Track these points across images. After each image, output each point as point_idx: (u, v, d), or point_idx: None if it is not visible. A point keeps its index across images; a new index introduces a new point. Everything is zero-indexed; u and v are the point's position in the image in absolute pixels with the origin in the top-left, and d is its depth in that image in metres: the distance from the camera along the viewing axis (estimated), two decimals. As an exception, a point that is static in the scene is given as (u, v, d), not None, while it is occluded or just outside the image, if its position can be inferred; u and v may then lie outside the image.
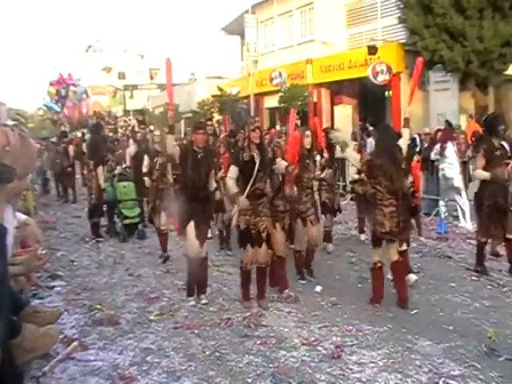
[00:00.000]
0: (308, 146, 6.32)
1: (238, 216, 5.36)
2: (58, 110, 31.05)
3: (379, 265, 5.48)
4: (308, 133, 6.43)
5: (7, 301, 1.93)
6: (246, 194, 5.25)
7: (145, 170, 7.83)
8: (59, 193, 14.72)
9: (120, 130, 19.10)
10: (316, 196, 6.89)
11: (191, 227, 5.53)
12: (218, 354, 4.38)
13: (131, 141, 11.39)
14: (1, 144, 1.79)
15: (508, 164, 6.55)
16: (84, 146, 16.29)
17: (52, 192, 15.39)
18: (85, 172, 11.46)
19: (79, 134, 19.09)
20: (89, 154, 9.36)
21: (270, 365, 4.16)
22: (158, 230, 7.59)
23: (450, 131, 10.33)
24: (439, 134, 10.25)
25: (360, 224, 8.55)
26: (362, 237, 8.45)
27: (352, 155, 5.99)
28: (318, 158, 6.74)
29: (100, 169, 8.95)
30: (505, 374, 3.97)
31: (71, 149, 14.64)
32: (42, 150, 14.18)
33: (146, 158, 7.87)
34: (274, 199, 5.79)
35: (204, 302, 5.61)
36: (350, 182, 8.88)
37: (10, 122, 17.27)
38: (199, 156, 5.58)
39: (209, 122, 9.66)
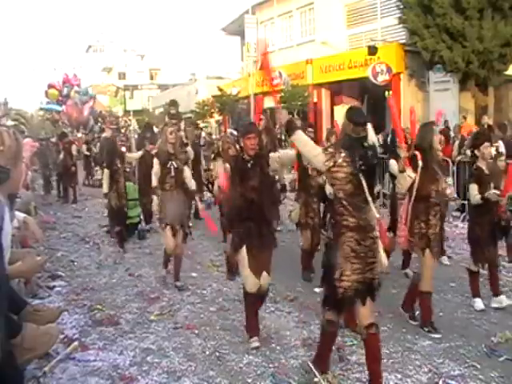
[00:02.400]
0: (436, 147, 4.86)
1: (340, 275, 3.58)
2: (60, 109, 31.03)
3: None
4: (436, 128, 5.06)
5: (6, 300, 1.93)
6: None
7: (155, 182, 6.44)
8: (59, 193, 14.73)
9: (121, 130, 19.13)
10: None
11: (244, 254, 4.49)
12: (217, 354, 4.39)
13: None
14: None
15: None
16: (84, 146, 16.40)
17: (53, 192, 15.39)
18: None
19: (79, 135, 19.19)
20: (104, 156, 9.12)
21: (270, 365, 4.17)
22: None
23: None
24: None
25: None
26: (446, 260, 7.22)
27: None
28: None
29: (106, 171, 8.27)
30: (505, 374, 3.98)
31: (74, 148, 14.76)
32: (45, 150, 14.19)
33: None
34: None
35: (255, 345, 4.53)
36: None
37: (10, 122, 17.30)
38: (248, 165, 4.55)
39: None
